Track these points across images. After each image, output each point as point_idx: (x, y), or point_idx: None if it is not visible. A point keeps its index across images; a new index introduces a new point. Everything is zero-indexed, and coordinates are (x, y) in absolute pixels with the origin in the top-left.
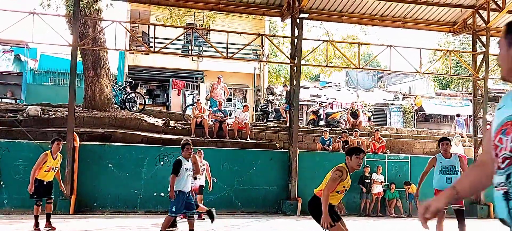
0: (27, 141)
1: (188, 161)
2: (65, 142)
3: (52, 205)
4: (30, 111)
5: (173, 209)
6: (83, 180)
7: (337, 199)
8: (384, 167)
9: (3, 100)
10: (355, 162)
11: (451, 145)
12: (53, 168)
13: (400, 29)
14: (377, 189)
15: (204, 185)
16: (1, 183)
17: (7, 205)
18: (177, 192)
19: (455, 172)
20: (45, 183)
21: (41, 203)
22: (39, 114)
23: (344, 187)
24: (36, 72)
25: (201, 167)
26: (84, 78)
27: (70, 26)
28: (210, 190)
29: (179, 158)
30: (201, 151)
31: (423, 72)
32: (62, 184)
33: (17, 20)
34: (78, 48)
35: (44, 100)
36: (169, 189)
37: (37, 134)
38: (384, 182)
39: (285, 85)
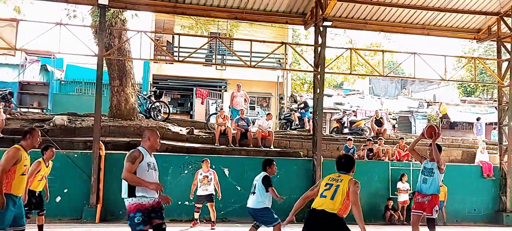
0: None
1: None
2: (90, 151)
3: (44, 216)
4: (57, 121)
5: (275, 216)
6: (109, 189)
7: None
8: (409, 175)
9: (30, 110)
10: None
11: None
12: (45, 177)
13: (425, 37)
14: (403, 197)
15: (214, 193)
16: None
17: (34, 214)
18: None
19: (431, 174)
20: (37, 194)
21: (31, 215)
22: (66, 124)
23: None
24: (62, 82)
25: (208, 176)
26: (109, 88)
27: (96, 37)
28: (219, 198)
29: (266, 174)
30: (208, 159)
31: (448, 80)
32: (48, 193)
33: (44, 31)
34: (103, 58)
35: (70, 110)
36: (276, 197)
37: (63, 143)
38: (410, 190)
39: (301, 95)
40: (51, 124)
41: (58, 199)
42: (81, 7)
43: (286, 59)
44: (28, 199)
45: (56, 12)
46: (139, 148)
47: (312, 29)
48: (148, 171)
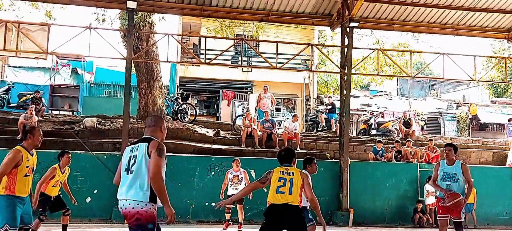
0: (84, 152)
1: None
2: (119, 153)
3: (69, 217)
4: (87, 123)
5: (310, 216)
6: None
7: None
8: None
9: (61, 112)
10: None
11: (455, 151)
12: (60, 182)
13: (453, 37)
14: (432, 200)
15: None
16: (60, 194)
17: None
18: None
19: (456, 180)
20: (52, 198)
21: (44, 218)
22: (95, 126)
23: None
24: (92, 85)
25: (239, 175)
26: (137, 90)
27: (125, 40)
28: (250, 198)
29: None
30: (238, 159)
31: (478, 80)
32: (73, 196)
33: (74, 35)
34: (132, 61)
35: (99, 112)
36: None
37: (93, 145)
38: None
39: (330, 97)
40: (81, 126)
41: (88, 199)
42: (110, 11)
43: (312, 60)
44: (42, 202)
45: (86, 16)
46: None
47: (338, 30)
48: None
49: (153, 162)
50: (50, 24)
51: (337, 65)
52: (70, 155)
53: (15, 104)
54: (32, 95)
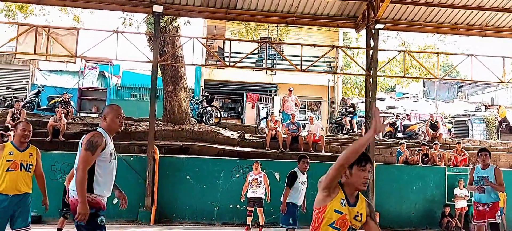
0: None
1: (303, 174)
2: (145, 155)
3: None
4: None
5: (291, 221)
6: (163, 191)
7: None
8: (466, 181)
9: (89, 115)
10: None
11: (490, 156)
12: None
13: (482, 38)
14: (460, 204)
15: (263, 197)
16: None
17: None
18: (290, 204)
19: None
20: None
21: (68, 216)
22: (122, 128)
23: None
24: (119, 88)
25: (258, 178)
26: (163, 93)
27: (151, 43)
28: (268, 201)
29: (294, 170)
30: (258, 162)
31: (507, 82)
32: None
33: (102, 39)
34: (158, 64)
35: (126, 114)
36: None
37: (120, 147)
38: (468, 197)
39: (349, 98)
40: None
41: (115, 201)
42: (136, 15)
43: (337, 62)
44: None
45: (113, 20)
46: (99, 129)
47: (363, 32)
48: (109, 161)
49: (78, 155)
50: (79, 29)
51: (362, 67)
52: None
53: (45, 107)
54: (61, 98)
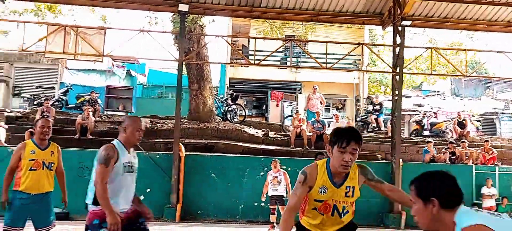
0: (137, 151)
1: None
2: (171, 152)
3: None
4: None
5: None
6: (188, 189)
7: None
8: (495, 180)
9: (116, 113)
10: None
11: None
12: None
13: (511, 34)
14: (488, 203)
15: (284, 195)
16: None
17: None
18: None
19: None
20: None
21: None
22: (148, 126)
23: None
24: (145, 86)
25: (278, 177)
26: (188, 92)
27: (176, 42)
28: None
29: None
30: (276, 160)
31: None
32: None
33: (128, 38)
34: (183, 62)
35: (152, 112)
36: None
37: (146, 144)
38: (496, 196)
39: (377, 96)
40: None
41: (142, 198)
42: (162, 14)
43: (363, 60)
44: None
45: (139, 19)
46: (115, 142)
47: (390, 28)
48: (122, 174)
49: (95, 169)
50: (106, 28)
51: (388, 65)
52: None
53: (73, 105)
54: (88, 97)
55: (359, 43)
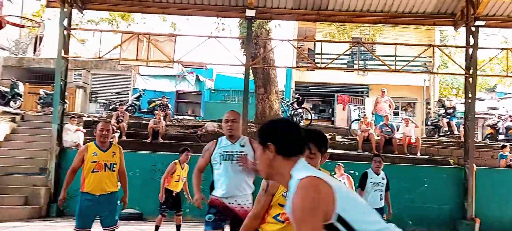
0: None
1: (378, 174)
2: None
3: (181, 217)
4: (208, 127)
5: None
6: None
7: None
8: None
9: (185, 117)
10: None
11: None
12: (182, 178)
13: None
14: None
15: None
16: (185, 194)
17: (189, 214)
18: None
19: None
20: (173, 194)
21: (166, 214)
22: (216, 130)
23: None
24: (212, 91)
25: (341, 180)
26: (255, 96)
27: (243, 47)
28: None
29: (366, 170)
30: (340, 165)
31: None
32: (189, 195)
33: (197, 44)
34: (250, 67)
35: (219, 116)
36: None
37: None
38: None
39: (450, 100)
40: (204, 130)
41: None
42: (230, 20)
43: (433, 62)
44: (165, 198)
45: (207, 26)
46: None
47: (462, 29)
48: (219, 163)
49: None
50: (176, 35)
51: (461, 67)
52: (189, 153)
53: (145, 110)
54: (159, 102)
55: (429, 45)
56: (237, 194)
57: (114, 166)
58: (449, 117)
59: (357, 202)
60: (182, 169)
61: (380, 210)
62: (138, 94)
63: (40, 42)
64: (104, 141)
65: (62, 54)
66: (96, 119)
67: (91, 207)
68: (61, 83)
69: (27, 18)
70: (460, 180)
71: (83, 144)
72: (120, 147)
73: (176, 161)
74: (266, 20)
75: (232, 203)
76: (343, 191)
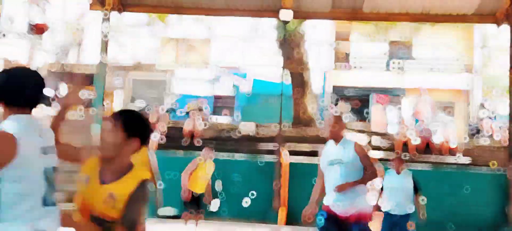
0: (241, 156)
1: (398, 173)
2: (274, 158)
3: (202, 216)
4: (244, 129)
5: None
6: (292, 194)
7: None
8: None
9: (221, 119)
10: None
11: None
12: (204, 178)
13: None
14: None
15: None
16: (223, 195)
17: (226, 215)
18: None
19: None
20: (194, 194)
21: (192, 213)
22: (252, 132)
23: None
24: (248, 93)
25: None
26: (291, 98)
27: (278, 50)
28: None
29: None
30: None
31: None
32: (208, 196)
33: (232, 47)
34: (285, 69)
35: (255, 119)
36: None
37: (250, 150)
38: None
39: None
40: (239, 133)
41: (246, 202)
42: (265, 22)
43: (474, 62)
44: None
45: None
46: None
47: (505, 28)
48: (325, 168)
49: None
50: (212, 38)
51: (504, 67)
52: (210, 149)
53: (182, 113)
54: (196, 104)
55: (469, 45)
56: None
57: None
58: (490, 119)
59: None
60: (204, 167)
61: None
62: (175, 97)
63: (81, 46)
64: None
65: (102, 58)
66: None
67: None
68: (101, 86)
69: (68, 23)
70: (502, 185)
71: None
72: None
73: (197, 158)
74: (301, 22)
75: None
76: None
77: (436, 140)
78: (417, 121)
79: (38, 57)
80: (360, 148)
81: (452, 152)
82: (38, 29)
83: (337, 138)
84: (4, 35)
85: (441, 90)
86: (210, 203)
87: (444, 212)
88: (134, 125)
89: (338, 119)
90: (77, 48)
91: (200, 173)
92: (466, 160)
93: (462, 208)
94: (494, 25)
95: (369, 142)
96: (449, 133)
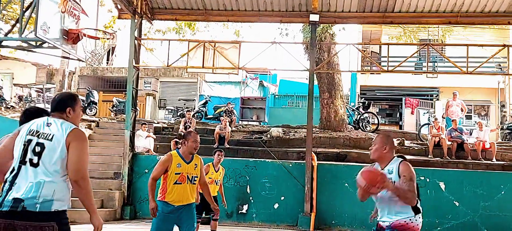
0: (271, 160)
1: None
2: (304, 161)
3: (217, 222)
4: (273, 132)
5: None
6: (321, 198)
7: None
8: None
9: (250, 123)
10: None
11: None
12: (215, 181)
13: None
14: None
15: None
16: (251, 199)
17: (255, 219)
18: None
19: None
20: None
21: (199, 220)
22: (281, 135)
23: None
24: (276, 96)
25: None
26: (319, 101)
27: (307, 52)
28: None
29: None
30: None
31: None
32: (224, 200)
33: (261, 50)
34: (314, 72)
35: (284, 122)
36: None
37: (279, 153)
38: None
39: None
40: (268, 136)
41: (276, 206)
42: (293, 25)
43: (508, 62)
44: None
45: (271, 32)
46: None
47: None
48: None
49: None
50: (240, 42)
51: None
52: (221, 154)
53: (211, 116)
54: (225, 108)
55: (504, 45)
56: None
57: (195, 178)
58: None
59: None
60: (216, 171)
61: None
62: (205, 100)
63: (113, 52)
64: (193, 153)
65: (133, 63)
66: (165, 125)
67: (170, 217)
68: (133, 91)
69: (100, 30)
70: None
71: (153, 150)
72: (201, 158)
73: (210, 163)
74: (330, 24)
75: None
76: None
77: (470, 141)
78: (450, 122)
79: (71, 64)
80: (404, 166)
81: (486, 153)
82: (71, 37)
83: (382, 161)
84: (39, 43)
85: (475, 91)
86: (226, 205)
87: (479, 214)
88: None
89: (386, 140)
90: (109, 54)
91: (212, 177)
92: (502, 162)
93: (497, 210)
94: None
95: (402, 144)
96: (483, 134)
